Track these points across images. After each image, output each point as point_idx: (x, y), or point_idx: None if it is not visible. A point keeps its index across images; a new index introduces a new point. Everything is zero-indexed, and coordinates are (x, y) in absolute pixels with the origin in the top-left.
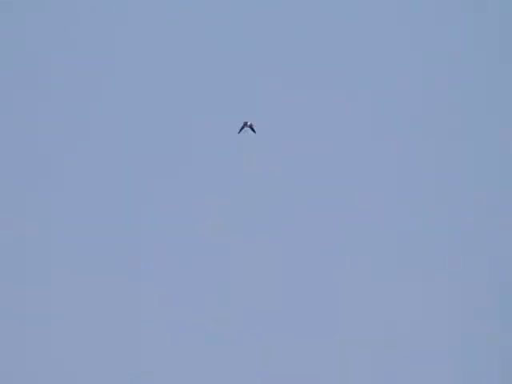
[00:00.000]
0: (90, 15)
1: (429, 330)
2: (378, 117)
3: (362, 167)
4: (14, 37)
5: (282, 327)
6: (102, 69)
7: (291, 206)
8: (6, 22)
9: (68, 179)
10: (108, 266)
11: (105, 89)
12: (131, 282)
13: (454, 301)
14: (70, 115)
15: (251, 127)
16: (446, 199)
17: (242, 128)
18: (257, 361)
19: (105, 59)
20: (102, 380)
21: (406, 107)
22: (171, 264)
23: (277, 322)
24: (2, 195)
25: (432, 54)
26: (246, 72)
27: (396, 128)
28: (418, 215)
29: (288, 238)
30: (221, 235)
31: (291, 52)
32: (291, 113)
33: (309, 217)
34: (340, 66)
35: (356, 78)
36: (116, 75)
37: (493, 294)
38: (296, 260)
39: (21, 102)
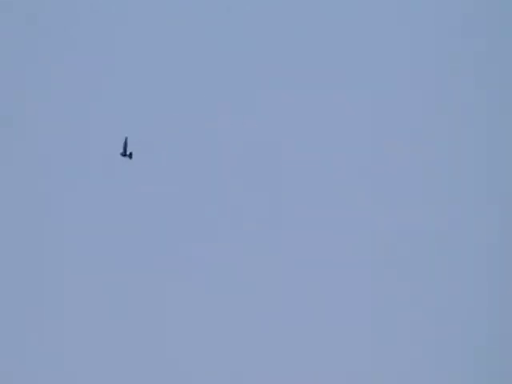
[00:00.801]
0: (89, 14)
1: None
2: (378, 117)
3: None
4: (12, 36)
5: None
6: (102, 69)
7: (290, 201)
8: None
9: (68, 177)
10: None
11: (104, 88)
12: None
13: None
14: (69, 114)
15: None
16: (446, 197)
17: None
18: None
19: (105, 59)
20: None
21: (406, 108)
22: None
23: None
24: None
25: (432, 54)
26: (246, 71)
27: (397, 128)
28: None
29: (286, 236)
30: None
31: (291, 52)
32: (291, 112)
33: (308, 214)
34: (340, 66)
35: (356, 78)
36: (116, 75)
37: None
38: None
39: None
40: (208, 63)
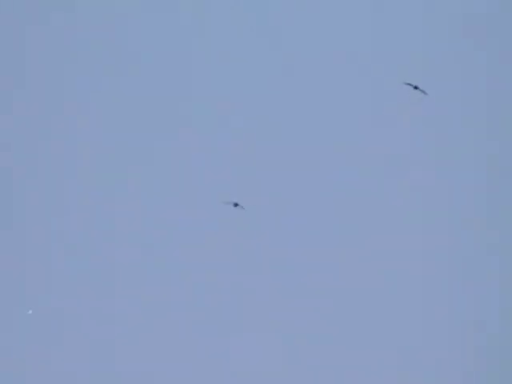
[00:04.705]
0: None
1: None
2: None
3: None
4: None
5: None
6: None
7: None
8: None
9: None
10: None
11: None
12: None
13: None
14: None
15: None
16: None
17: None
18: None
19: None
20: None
21: (406, 107)
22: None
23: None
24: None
25: (429, 56)
26: (245, 71)
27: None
28: None
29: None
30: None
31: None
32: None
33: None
34: (338, 65)
35: (354, 80)
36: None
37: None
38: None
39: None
40: (208, 64)
